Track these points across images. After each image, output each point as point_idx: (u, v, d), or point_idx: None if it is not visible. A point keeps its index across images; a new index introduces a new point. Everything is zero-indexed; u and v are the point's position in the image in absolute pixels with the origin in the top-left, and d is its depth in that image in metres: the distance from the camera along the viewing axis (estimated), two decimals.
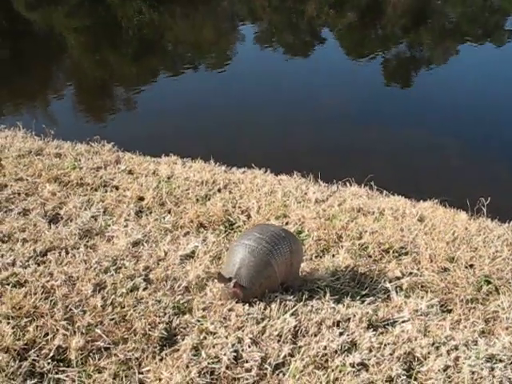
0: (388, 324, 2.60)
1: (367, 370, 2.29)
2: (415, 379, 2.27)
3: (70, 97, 8.96)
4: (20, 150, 4.43)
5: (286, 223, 3.44)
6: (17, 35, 12.70)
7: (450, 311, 2.80)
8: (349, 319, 2.57)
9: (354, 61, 10.56)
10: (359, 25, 14.03)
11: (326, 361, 2.32)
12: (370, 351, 2.38)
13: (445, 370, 2.30)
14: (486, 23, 13.64)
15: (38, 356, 2.28)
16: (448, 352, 2.41)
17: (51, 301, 2.55)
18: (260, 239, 2.62)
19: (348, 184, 4.20)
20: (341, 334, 2.46)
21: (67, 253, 2.99)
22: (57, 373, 2.23)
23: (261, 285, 2.62)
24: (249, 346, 2.34)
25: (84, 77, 10.33)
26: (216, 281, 2.70)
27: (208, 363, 2.25)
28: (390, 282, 2.95)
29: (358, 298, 2.77)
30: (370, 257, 3.21)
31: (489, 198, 3.78)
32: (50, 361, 2.27)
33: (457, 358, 2.37)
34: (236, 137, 6.46)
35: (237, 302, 2.59)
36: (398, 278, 3.00)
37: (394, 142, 6.46)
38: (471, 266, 3.16)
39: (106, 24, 14.12)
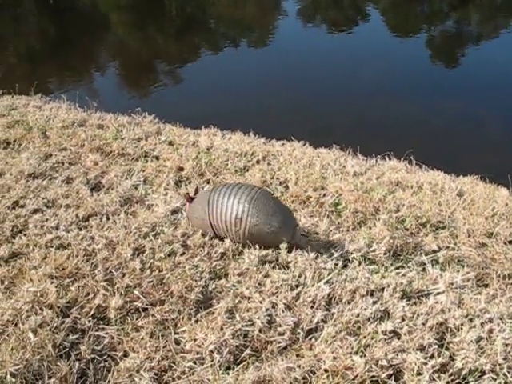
0: (422, 295, 2.61)
1: (399, 338, 2.30)
2: (447, 349, 2.27)
3: (113, 72, 9.10)
4: (64, 121, 4.56)
5: (324, 195, 3.45)
6: (62, 12, 12.91)
7: (486, 286, 2.78)
8: (383, 289, 2.59)
9: (398, 37, 10.39)
10: (404, 1, 13.75)
11: (359, 328, 2.35)
12: (403, 320, 2.40)
13: (477, 342, 2.29)
14: None
15: (79, 314, 2.38)
16: (482, 324, 2.40)
17: (92, 263, 2.65)
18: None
19: (387, 158, 4.17)
20: (374, 302, 2.48)
21: (108, 219, 3.08)
22: (97, 330, 2.32)
23: None
24: (282, 311, 2.38)
25: (127, 52, 10.46)
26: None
27: (242, 326, 2.31)
28: (426, 255, 2.94)
29: (393, 269, 2.79)
30: (407, 230, 3.20)
31: None
32: (90, 318, 2.36)
33: (490, 331, 2.36)
34: (276, 111, 6.45)
35: None
36: (435, 252, 2.99)
37: (436, 117, 6.33)
38: (510, 242, 3.12)
39: (148, 1, 14.20)
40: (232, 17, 12.68)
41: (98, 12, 13.78)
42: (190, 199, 2.93)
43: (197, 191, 2.98)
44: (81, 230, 2.96)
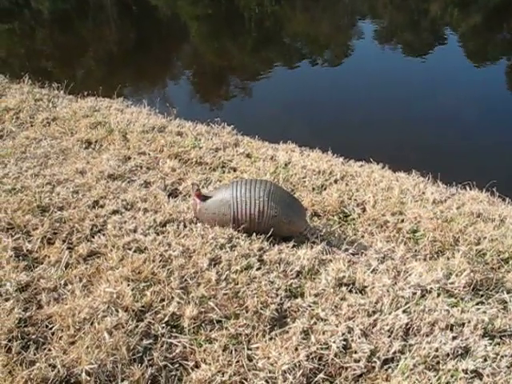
0: (505, 335, 2.48)
1: (481, 379, 2.20)
2: None
3: (189, 80, 9.25)
4: (144, 126, 4.63)
5: (402, 220, 3.36)
6: (143, 20, 13.28)
7: None
8: (463, 324, 2.48)
9: (476, 63, 10.12)
10: (485, 27, 13.43)
11: (438, 363, 2.25)
12: (485, 360, 2.29)
13: None
14: None
15: (153, 319, 2.37)
16: None
17: (168, 269, 2.65)
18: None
19: (468, 188, 4.03)
20: (454, 338, 2.38)
21: (185, 226, 3.08)
22: (170, 337, 2.31)
23: None
24: (359, 337, 2.31)
25: (203, 63, 10.62)
26: None
27: (317, 348, 2.25)
28: (508, 292, 2.80)
29: (473, 304, 2.66)
30: (488, 264, 3.07)
31: None
32: (164, 325, 2.36)
33: None
34: (353, 131, 6.37)
35: None
36: None
37: None
38: None
39: (227, 13, 14.44)
40: (308, 34, 12.70)
41: (178, 21, 14.11)
42: (203, 198, 3.05)
43: (198, 190, 3.07)
44: (158, 234, 2.97)
